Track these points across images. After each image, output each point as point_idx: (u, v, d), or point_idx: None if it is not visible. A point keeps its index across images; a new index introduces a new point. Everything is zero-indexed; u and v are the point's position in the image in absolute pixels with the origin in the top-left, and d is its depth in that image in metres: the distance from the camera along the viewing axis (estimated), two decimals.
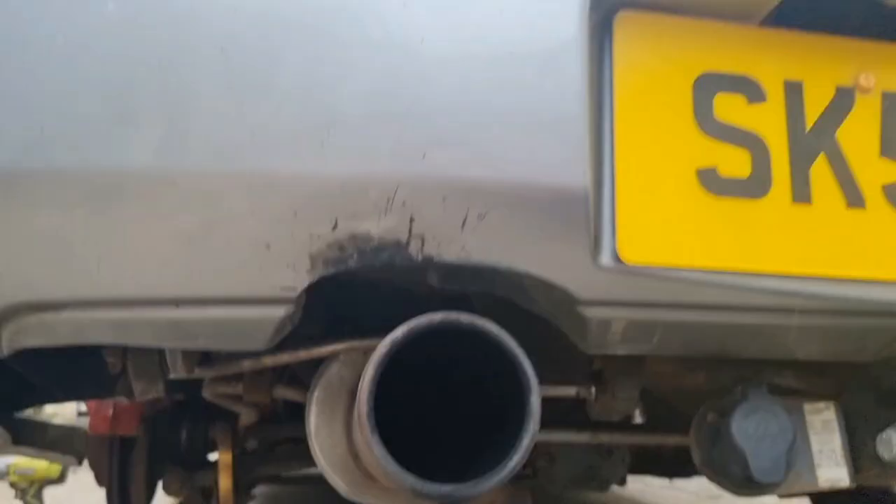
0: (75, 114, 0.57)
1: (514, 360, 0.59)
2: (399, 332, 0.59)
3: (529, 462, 1.67)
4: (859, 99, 0.67)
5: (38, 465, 2.36)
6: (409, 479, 0.57)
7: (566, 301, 0.63)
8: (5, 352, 0.67)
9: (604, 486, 1.65)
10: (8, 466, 2.38)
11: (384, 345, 0.59)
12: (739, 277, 0.63)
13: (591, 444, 1.49)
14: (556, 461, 1.59)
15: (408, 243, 0.59)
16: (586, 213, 0.59)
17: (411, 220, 0.58)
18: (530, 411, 0.59)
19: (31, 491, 2.38)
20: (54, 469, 2.38)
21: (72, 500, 2.35)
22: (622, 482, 1.75)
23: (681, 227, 0.62)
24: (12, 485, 2.41)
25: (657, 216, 0.62)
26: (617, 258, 0.61)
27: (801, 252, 0.64)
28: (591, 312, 0.64)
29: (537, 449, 1.56)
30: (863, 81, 0.67)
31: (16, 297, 0.61)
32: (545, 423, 0.91)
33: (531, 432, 0.59)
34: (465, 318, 0.60)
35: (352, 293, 0.74)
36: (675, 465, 1.89)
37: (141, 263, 0.60)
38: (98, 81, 0.57)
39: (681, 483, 3.97)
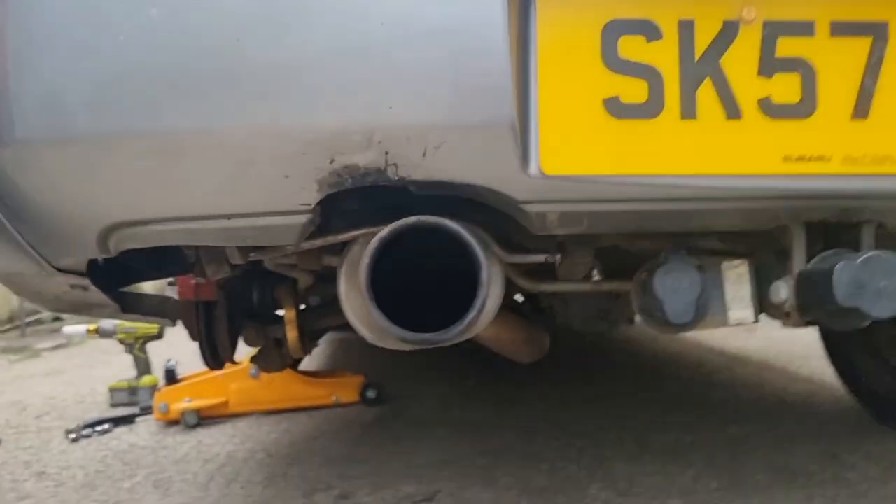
0: (159, 91, 0.80)
1: (468, 247, 0.83)
2: (385, 231, 0.83)
3: (548, 306, 1.94)
4: (743, 29, 0.84)
5: (139, 323, 2.77)
6: (397, 330, 0.83)
7: (509, 201, 0.85)
8: (112, 253, 0.95)
9: (613, 325, 1.91)
10: (115, 326, 2.81)
11: (374, 241, 0.83)
12: (636, 179, 0.83)
13: (598, 292, 1.70)
14: (570, 305, 1.84)
15: (385, 169, 0.81)
16: (515, 138, 0.80)
17: (386, 154, 0.80)
18: (481, 282, 0.83)
19: (137, 345, 2.81)
20: (153, 327, 2.79)
21: (170, 352, 2.76)
22: (630, 322, 2.00)
23: (590, 144, 0.82)
24: (120, 341, 2.84)
25: (571, 137, 0.82)
26: (541, 170, 0.82)
27: (687, 157, 0.84)
28: (529, 208, 0.86)
29: (554, 296, 1.82)
30: (745, 14, 0.83)
31: (117, 217, 0.88)
32: (550, 276, 1.13)
33: (482, 297, 0.84)
34: (431, 219, 0.83)
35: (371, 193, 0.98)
36: None
37: (203, 191, 0.84)
38: (172, 71, 0.80)
39: None
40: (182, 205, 0.85)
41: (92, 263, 1.04)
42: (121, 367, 3.58)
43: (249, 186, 0.83)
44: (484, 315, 0.97)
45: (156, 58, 0.80)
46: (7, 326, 6.15)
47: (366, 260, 0.83)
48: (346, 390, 2.49)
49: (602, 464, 1.74)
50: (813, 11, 0.84)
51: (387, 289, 0.88)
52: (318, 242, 1.04)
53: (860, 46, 0.85)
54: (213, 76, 0.80)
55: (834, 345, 2.13)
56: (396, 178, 0.82)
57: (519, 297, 2.44)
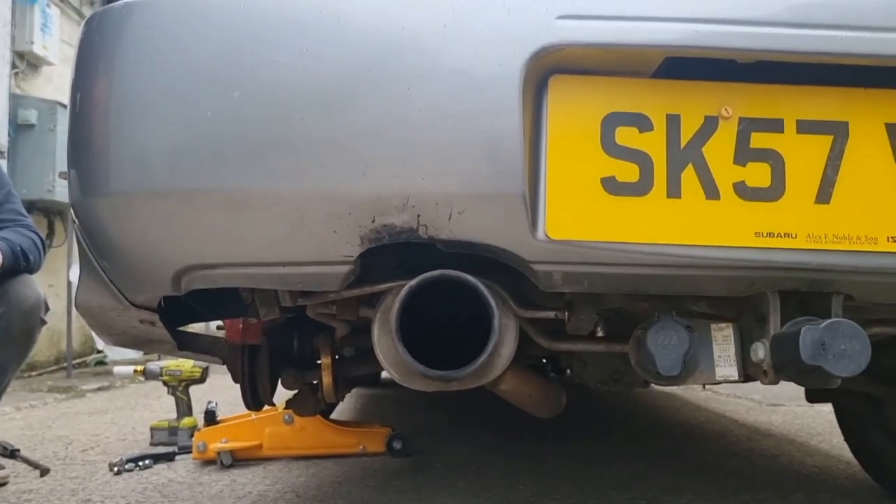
0: (232, 156, 0.98)
1: (483, 298, 0.98)
2: (413, 282, 0.99)
3: (566, 365, 2.06)
4: (722, 124, 0.99)
5: (185, 366, 2.93)
6: (419, 367, 0.97)
7: (520, 260, 1.01)
8: (182, 292, 1.11)
9: (628, 387, 2.01)
10: (161, 368, 2.98)
11: (404, 290, 0.98)
12: (628, 246, 0.98)
13: (611, 353, 1.82)
14: (587, 365, 1.96)
15: (417, 229, 0.98)
16: (525, 207, 0.96)
17: (418, 216, 0.97)
18: (493, 328, 0.98)
19: (180, 388, 2.96)
20: (197, 371, 2.95)
21: (212, 395, 2.92)
22: (645, 385, 2.10)
23: (589, 215, 0.98)
24: (165, 383, 3.00)
25: (573, 209, 0.98)
26: (546, 235, 0.98)
27: (672, 229, 0.98)
28: (537, 267, 1.01)
29: (572, 355, 1.95)
30: (724, 112, 0.99)
31: (191, 261, 1.05)
32: (569, 337, 1.28)
33: (494, 341, 0.98)
34: (452, 273, 0.98)
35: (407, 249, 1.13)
36: None
37: (263, 241, 1.01)
38: (244, 140, 0.97)
39: (745, 391, 4.30)
40: (246, 253, 1.02)
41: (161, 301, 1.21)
42: (160, 409, 3.76)
43: (303, 239, 1.00)
44: (498, 360, 1.11)
45: (232, 128, 0.98)
46: (54, 367, 6.40)
47: (396, 305, 0.98)
48: (373, 440, 2.60)
49: None
50: (782, 110, 1.00)
51: (419, 343, 1.02)
52: (357, 292, 1.19)
53: (823, 142, 1.00)
54: (279, 147, 0.97)
55: (848, 421, 2.19)
56: (426, 237, 0.98)
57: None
